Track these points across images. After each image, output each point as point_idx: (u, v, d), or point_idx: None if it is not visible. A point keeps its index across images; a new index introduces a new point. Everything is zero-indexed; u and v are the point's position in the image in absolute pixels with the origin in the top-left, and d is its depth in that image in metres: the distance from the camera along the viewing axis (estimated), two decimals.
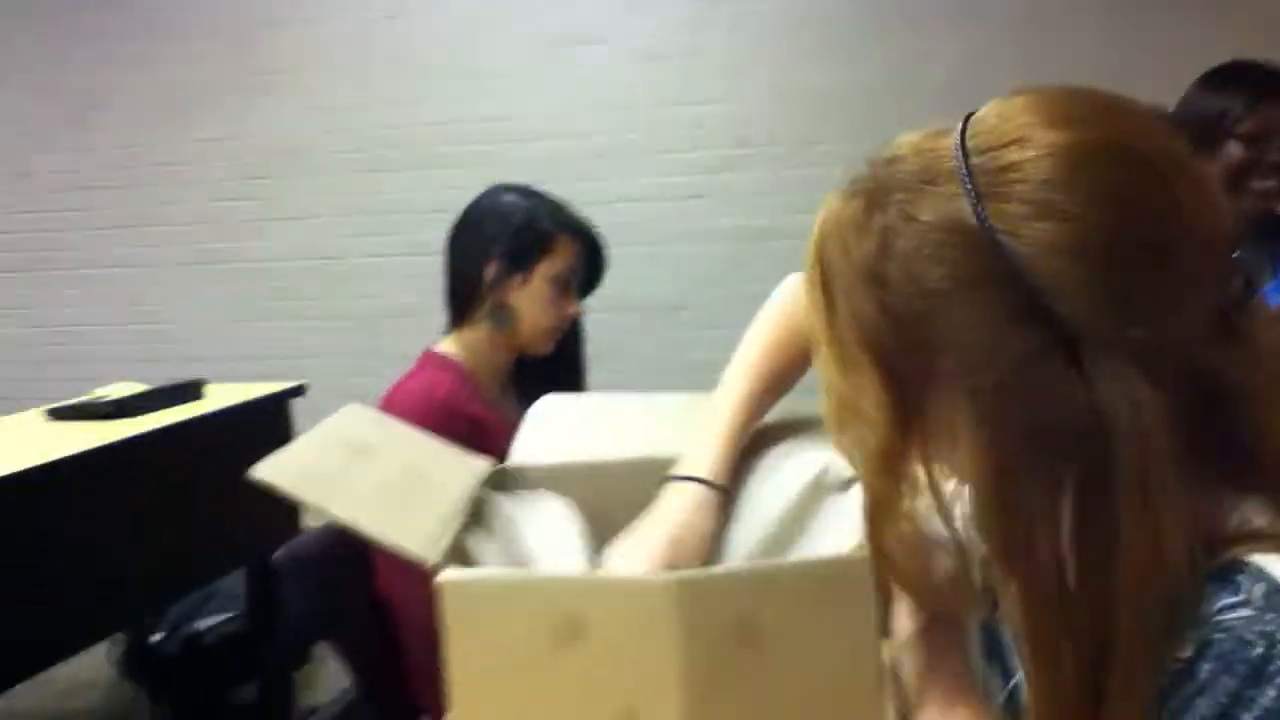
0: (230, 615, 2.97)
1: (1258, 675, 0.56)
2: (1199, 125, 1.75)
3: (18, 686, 2.27)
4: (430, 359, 1.77)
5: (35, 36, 4.35)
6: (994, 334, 0.59)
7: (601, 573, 0.68)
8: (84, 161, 4.38)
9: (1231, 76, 1.83)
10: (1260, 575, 0.58)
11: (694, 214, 3.89)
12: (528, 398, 1.72)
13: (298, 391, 2.91)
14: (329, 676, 3.13)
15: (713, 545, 0.83)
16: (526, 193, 1.80)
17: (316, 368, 3.47)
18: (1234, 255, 0.61)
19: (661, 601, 0.66)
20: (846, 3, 3.70)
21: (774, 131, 3.78)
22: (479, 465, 0.91)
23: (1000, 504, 0.61)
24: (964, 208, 0.60)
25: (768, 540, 0.83)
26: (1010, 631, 0.67)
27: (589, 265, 1.82)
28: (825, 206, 0.69)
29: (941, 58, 3.57)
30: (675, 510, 0.83)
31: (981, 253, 0.59)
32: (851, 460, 0.76)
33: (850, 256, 0.65)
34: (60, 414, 2.59)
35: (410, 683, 1.69)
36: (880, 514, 0.68)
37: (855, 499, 0.74)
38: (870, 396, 0.65)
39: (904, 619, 0.71)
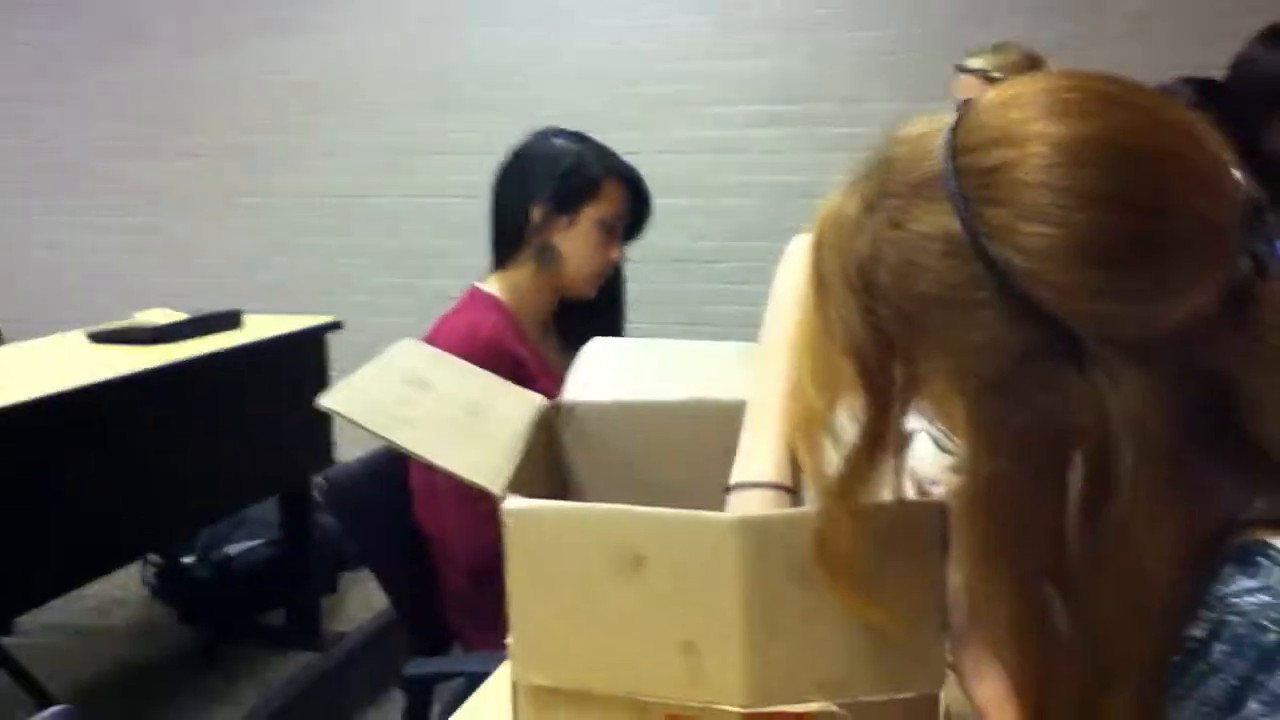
0: (262, 542, 3.02)
1: (1270, 660, 0.56)
2: (1266, 85, 1.70)
3: (54, 602, 2.34)
4: (475, 297, 1.78)
5: None
6: (990, 337, 0.58)
7: (663, 509, 0.69)
8: (116, 90, 4.39)
9: None
10: None
11: (734, 168, 3.87)
12: (568, 340, 1.74)
13: (335, 326, 2.93)
14: (355, 605, 3.20)
15: None
16: (576, 137, 1.80)
17: (346, 305, 3.49)
18: (1246, 235, 0.58)
19: (722, 537, 0.67)
20: None
21: (818, 89, 3.74)
22: (534, 399, 0.92)
23: (998, 504, 0.61)
24: (953, 216, 0.59)
25: None
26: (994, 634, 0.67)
27: (634, 212, 1.82)
28: (826, 200, 0.67)
29: (989, 19, 3.51)
30: None
31: (972, 261, 0.58)
32: (802, 464, 0.73)
33: (842, 258, 0.64)
34: (100, 338, 2.62)
35: (447, 611, 1.72)
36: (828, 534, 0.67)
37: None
38: (845, 405, 0.65)
39: (953, 571, 0.72)
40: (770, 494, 0.80)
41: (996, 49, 2.60)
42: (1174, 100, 0.62)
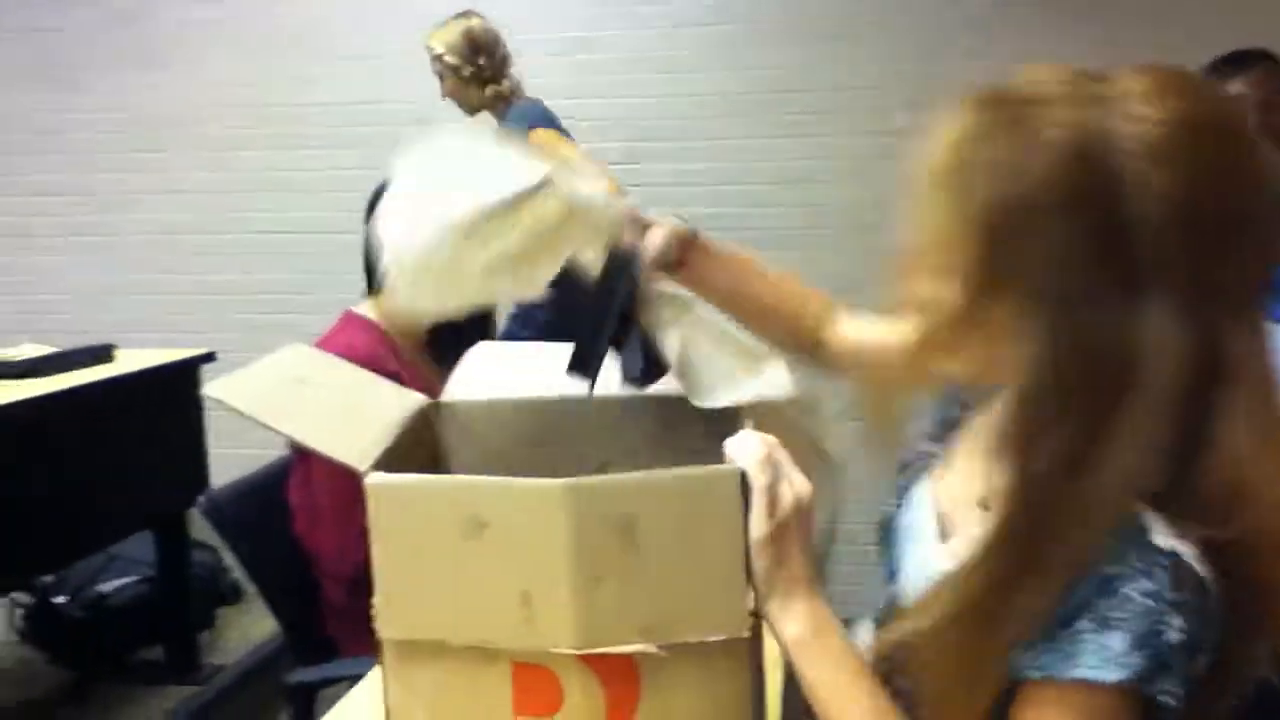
0: (135, 578, 3.01)
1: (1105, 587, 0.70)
2: None
3: None
4: (350, 320, 1.87)
5: None
6: (1077, 257, 0.69)
7: (500, 478, 0.81)
8: None
9: None
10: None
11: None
12: (442, 359, 1.84)
13: (209, 358, 2.96)
14: (233, 638, 3.20)
15: None
16: None
17: (209, 341, 3.49)
18: None
19: (552, 501, 0.80)
20: (731, 10, 3.86)
21: (670, 128, 3.93)
22: (413, 397, 1.03)
23: (1031, 403, 0.72)
24: (1093, 134, 0.69)
25: None
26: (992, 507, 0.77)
27: None
28: (951, 115, 0.76)
29: (819, 68, 3.76)
30: None
31: (1097, 178, 0.68)
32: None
33: (970, 161, 0.73)
34: None
35: (328, 623, 1.80)
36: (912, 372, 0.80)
37: None
38: (946, 289, 0.75)
39: (758, 527, 0.85)
40: None
41: None
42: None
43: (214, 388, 0.85)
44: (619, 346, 1.01)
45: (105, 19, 4.16)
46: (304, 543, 1.79)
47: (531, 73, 3.44)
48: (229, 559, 3.05)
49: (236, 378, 0.89)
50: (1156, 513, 0.72)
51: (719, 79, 3.88)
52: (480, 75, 3.24)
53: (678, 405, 1.03)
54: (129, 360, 2.82)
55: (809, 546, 0.86)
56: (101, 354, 2.80)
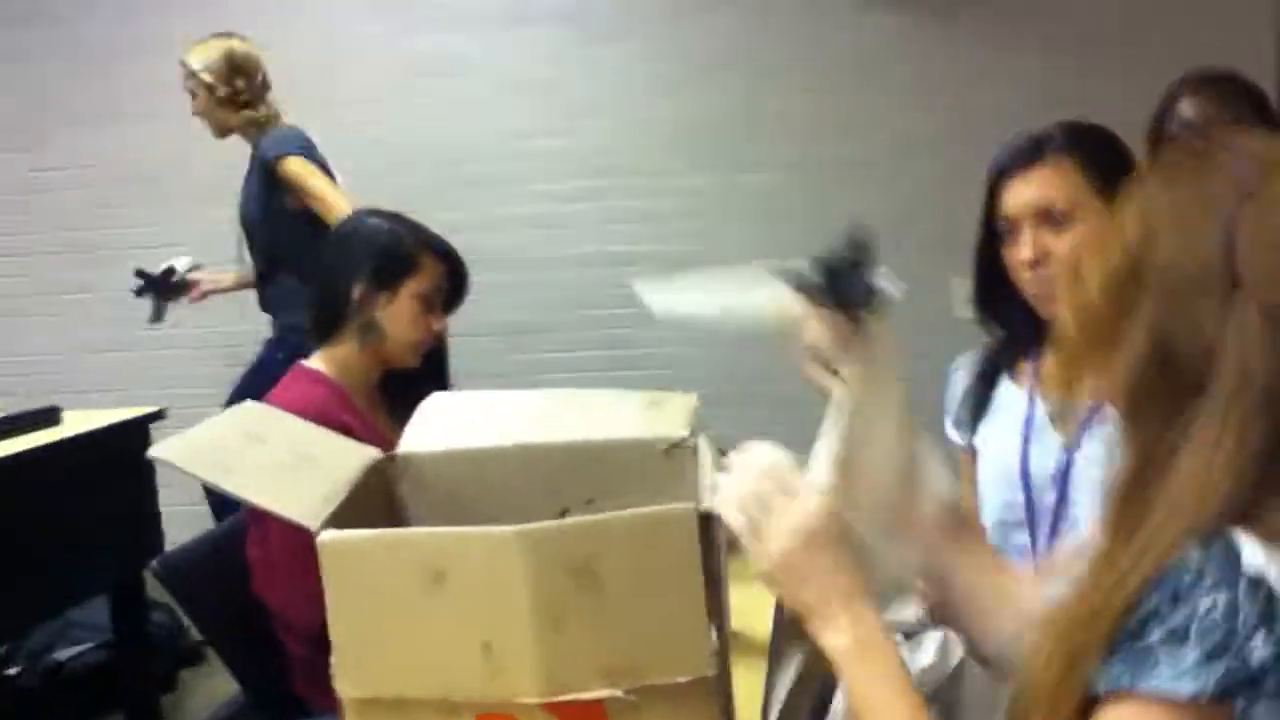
0: (91, 645, 2.94)
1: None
2: None
3: None
4: (300, 374, 1.85)
5: None
6: (1195, 265, 0.75)
7: (456, 528, 0.80)
8: None
9: None
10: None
11: (553, 241, 4.04)
12: (395, 409, 1.83)
13: (158, 416, 2.91)
14: (196, 701, 3.13)
15: None
16: (389, 216, 1.92)
17: (173, 397, 3.45)
18: None
19: (508, 549, 0.79)
20: (689, 41, 3.92)
21: (625, 163, 3.98)
22: (368, 451, 1.02)
23: (1129, 399, 0.78)
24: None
25: None
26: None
27: (452, 283, 1.94)
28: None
29: (781, 91, 3.82)
30: None
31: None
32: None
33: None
34: None
35: (293, 681, 1.76)
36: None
37: None
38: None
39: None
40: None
41: None
42: None
43: (159, 449, 0.84)
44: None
45: (68, 78, 4.14)
46: (263, 600, 1.75)
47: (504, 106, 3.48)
48: (178, 619, 3.01)
49: (183, 438, 0.87)
50: (1253, 532, 0.72)
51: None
52: (236, 98, 3.26)
53: (636, 449, 1.03)
54: (77, 422, 2.76)
55: (839, 556, 0.86)
56: (47, 417, 2.75)
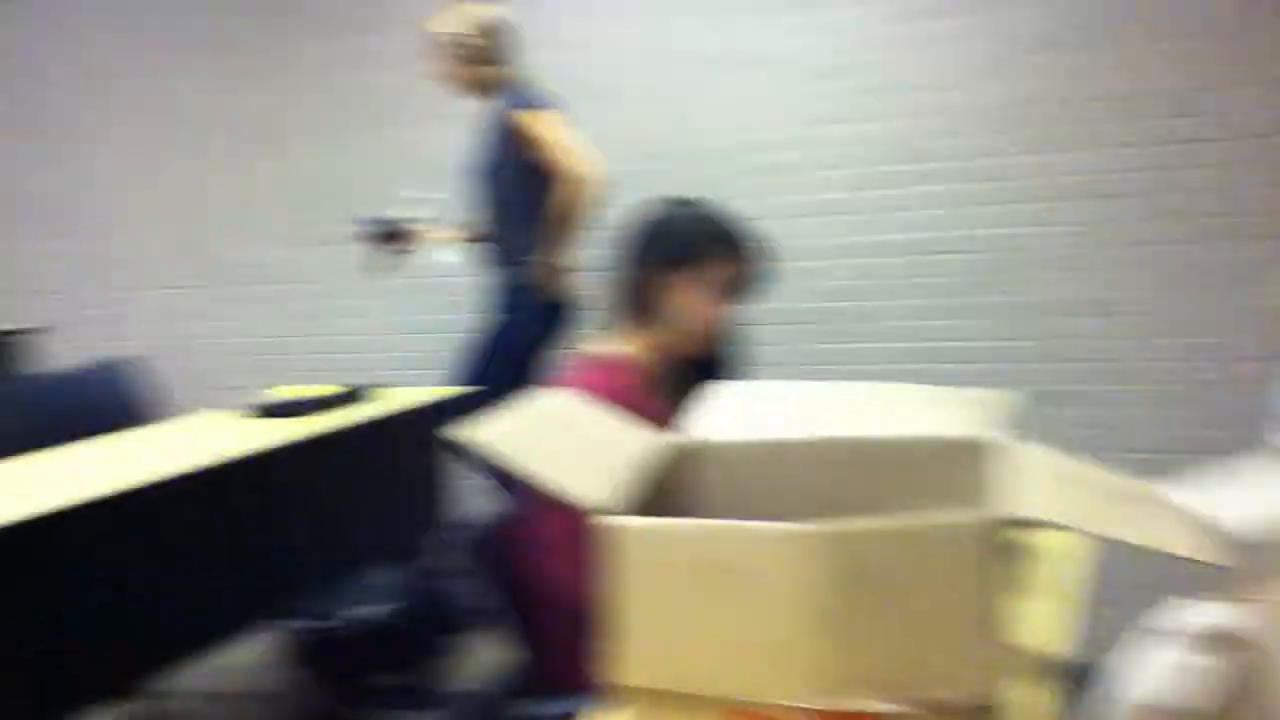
0: (386, 606, 3.17)
1: None
2: None
3: (185, 665, 2.48)
4: (592, 360, 1.91)
5: (210, 72, 4.76)
6: None
7: (751, 523, 0.79)
8: (257, 186, 4.76)
9: None
10: None
11: (850, 229, 3.99)
12: (683, 397, 1.84)
13: (458, 399, 3.09)
14: (467, 668, 3.31)
15: None
16: (685, 203, 1.94)
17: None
18: None
19: (799, 547, 0.77)
20: (1005, 22, 3.75)
21: (929, 149, 3.86)
22: (657, 438, 1.03)
23: None
24: None
25: None
26: None
27: (747, 272, 1.93)
28: None
29: (1102, 72, 3.61)
30: None
31: None
32: None
33: None
34: (254, 412, 2.83)
35: (551, 659, 1.82)
36: None
37: None
38: None
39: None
40: None
41: None
42: None
43: (460, 431, 0.87)
44: None
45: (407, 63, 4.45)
46: (542, 578, 1.82)
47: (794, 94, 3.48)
48: (461, 589, 3.18)
49: (485, 422, 0.91)
50: None
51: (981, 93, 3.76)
52: (479, 57, 3.56)
53: (937, 448, 0.99)
54: (385, 401, 2.98)
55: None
56: (358, 395, 2.99)
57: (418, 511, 2.97)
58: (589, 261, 3.52)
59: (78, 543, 2.08)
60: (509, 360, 3.51)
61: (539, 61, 4.16)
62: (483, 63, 3.57)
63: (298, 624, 3.19)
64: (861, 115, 3.92)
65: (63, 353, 4.56)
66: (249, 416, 2.82)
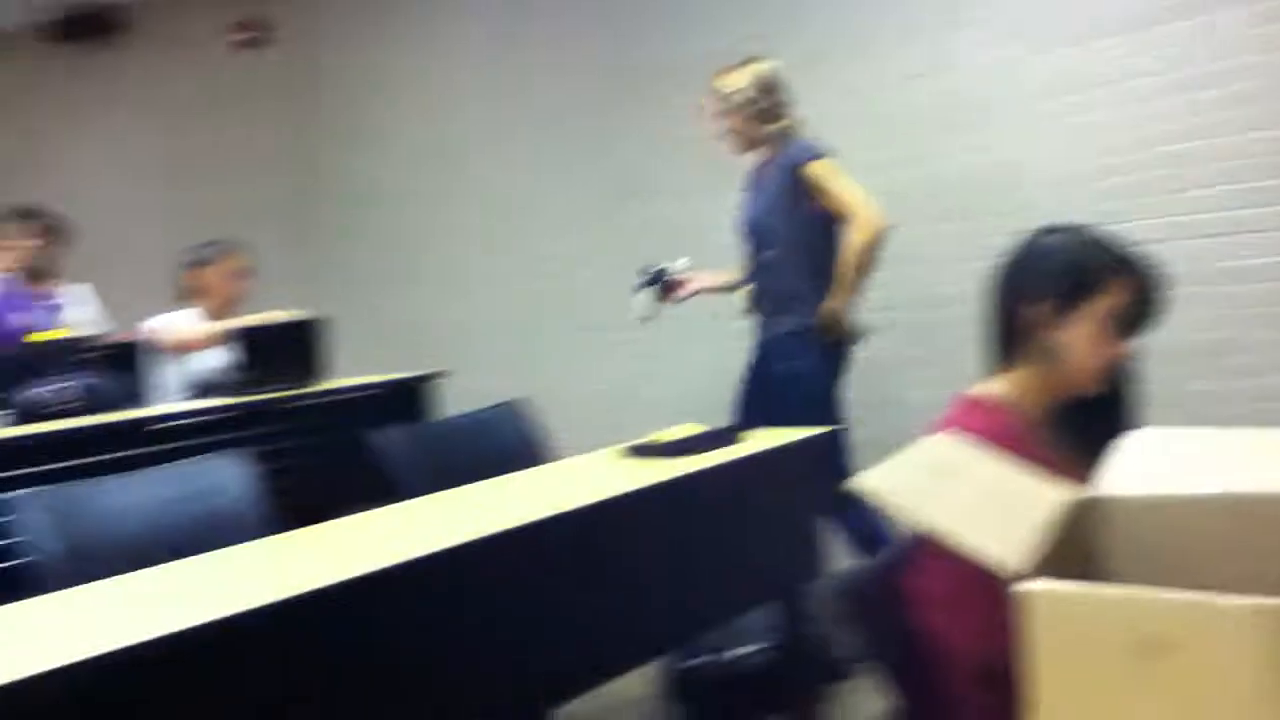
0: (762, 646, 3.18)
1: None
2: None
3: (574, 700, 2.59)
4: (975, 402, 1.81)
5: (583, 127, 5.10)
6: None
7: (1186, 593, 0.70)
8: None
9: None
10: None
11: (1232, 251, 3.60)
12: (1078, 440, 1.71)
13: (830, 438, 3.07)
14: (849, 714, 3.25)
15: None
16: (1074, 230, 1.81)
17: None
18: None
19: (1241, 624, 0.67)
20: None
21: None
22: (1063, 491, 0.95)
23: None
24: None
25: None
26: None
27: (1143, 303, 1.77)
28: None
29: None
30: None
31: None
32: None
33: None
34: (632, 452, 2.96)
35: (950, 711, 1.73)
36: None
37: None
38: None
39: None
40: None
41: None
42: None
43: (861, 480, 0.85)
44: None
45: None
46: (927, 630, 1.74)
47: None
48: (838, 635, 3.14)
49: (880, 470, 0.88)
50: None
51: None
52: (766, 113, 3.69)
53: None
54: (757, 441, 3.01)
55: None
56: (731, 436, 3.04)
57: (791, 554, 2.95)
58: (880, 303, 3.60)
59: (485, 575, 2.23)
60: (812, 405, 3.63)
61: (917, 89, 4.13)
62: (767, 118, 3.69)
63: (679, 661, 3.28)
64: (1230, 129, 3.54)
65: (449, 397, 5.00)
66: (627, 457, 2.94)
